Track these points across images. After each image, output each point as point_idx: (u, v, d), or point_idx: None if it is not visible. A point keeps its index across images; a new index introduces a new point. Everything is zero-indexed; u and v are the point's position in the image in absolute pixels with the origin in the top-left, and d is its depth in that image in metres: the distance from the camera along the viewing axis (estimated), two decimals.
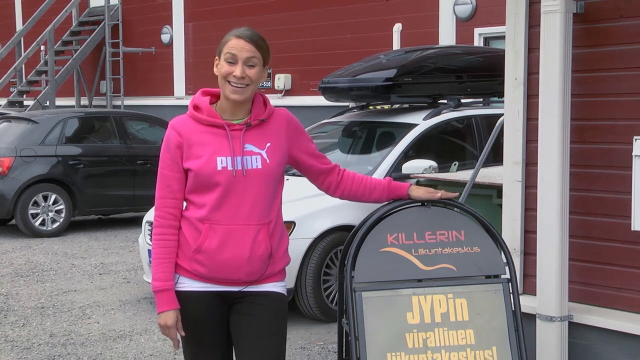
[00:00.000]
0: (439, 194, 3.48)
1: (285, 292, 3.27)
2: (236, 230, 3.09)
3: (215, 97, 3.21)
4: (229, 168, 3.08)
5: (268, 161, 3.13)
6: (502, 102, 4.95)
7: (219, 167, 3.08)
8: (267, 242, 3.13)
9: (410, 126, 7.38)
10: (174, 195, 3.15)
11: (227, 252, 3.10)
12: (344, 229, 6.39)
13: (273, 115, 3.21)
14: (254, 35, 3.10)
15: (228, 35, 3.12)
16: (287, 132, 3.22)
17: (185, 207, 3.20)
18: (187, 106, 3.22)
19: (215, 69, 3.14)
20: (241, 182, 3.09)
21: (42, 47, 18.52)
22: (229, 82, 3.07)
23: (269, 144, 3.15)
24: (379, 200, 3.44)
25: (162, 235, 3.15)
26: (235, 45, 3.07)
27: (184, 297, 3.16)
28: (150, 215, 7.26)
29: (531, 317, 4.16)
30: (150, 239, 6.98)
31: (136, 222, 11.22)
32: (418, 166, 6.70)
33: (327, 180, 3.36)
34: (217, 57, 3.14)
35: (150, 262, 6.92)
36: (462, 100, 7.97)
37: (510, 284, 3.57)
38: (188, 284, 3.17)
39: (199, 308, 3.17)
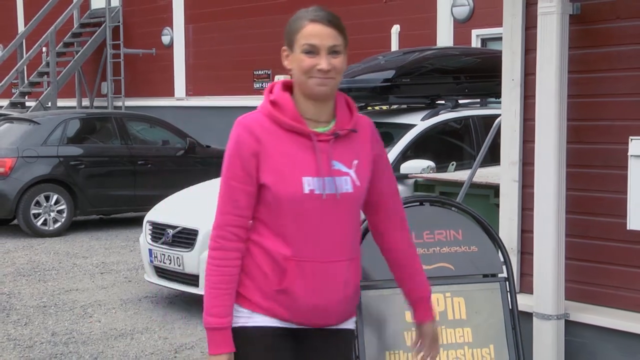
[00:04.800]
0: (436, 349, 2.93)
1: (354, 327, 2.87)
2: (327, 269, 2.59)
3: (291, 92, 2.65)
4: (317, 192, 2.54)
5: (358, 183, 2.60)
6: (500, 102, 4.98)
7: (306, 190, 2.53)
8: (356, 279, 2.68)
9: (409, 127, 7.41)
10: (241, 213, 2.58)
11: (318, 297, 2.59)
12: None
13: (357, 124, 2.68)
14: (331, 16, 2.54)
15: (299, 20, 2.55)
16: (372, 147, 2.69)
17: (256, 228, 2.62)
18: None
19: (285, 62, 2.61)
20: (331, 208, 2.56)
21: (44, 49, 18.53)
22: (312, 75, 2.54)
23: (356, 162, 2.61)
24: (395, 279, 2.92)
25: (222, 261, 2.58)
26: (314, 32, 2.51)
27: (253, 332, 2.62)
28: (150, 215, 7.30)
29: (528, 316, 4.18)
30: (151, 239, 7.07)
31: (137, 222, 11.20)
32: (416, 166, 6.74)
33: (383, 224, 2.79)
34: (286, 48, 2.60)
35: (151, 261, 7.01)
36: (460, 101, 8.00)
37: (507, 282, 3.60)
38: (261, 320, 2.62)
39: (270, 344, 2.63)
